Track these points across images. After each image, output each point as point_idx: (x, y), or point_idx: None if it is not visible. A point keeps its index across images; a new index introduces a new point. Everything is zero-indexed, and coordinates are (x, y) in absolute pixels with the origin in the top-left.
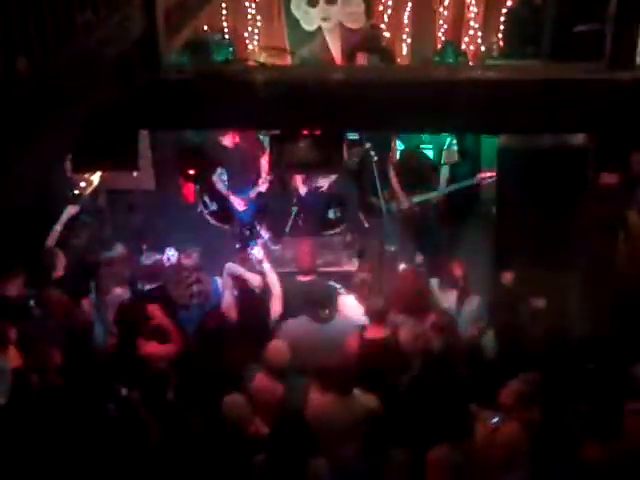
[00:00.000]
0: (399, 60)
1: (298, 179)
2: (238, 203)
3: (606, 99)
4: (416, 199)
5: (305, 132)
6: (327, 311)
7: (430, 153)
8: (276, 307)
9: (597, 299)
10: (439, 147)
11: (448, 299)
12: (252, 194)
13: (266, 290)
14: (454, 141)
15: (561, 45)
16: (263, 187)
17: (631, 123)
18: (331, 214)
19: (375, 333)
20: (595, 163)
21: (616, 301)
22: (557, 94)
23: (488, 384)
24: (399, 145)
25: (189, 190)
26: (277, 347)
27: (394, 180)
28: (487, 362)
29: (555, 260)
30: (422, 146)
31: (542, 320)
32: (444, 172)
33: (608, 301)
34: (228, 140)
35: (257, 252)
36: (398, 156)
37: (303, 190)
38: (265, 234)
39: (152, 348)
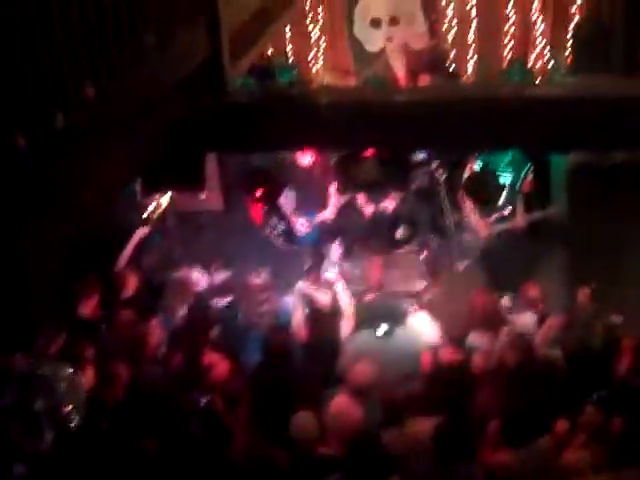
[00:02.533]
0: (464, 79)
1: (361, 200)
2: (301, 224)
3: None
4: (497, 228)
5: (370, 153)
6: (383, 329)
7: (508, 178)
8: (347, 328)
9: None
10: (518, 173)
11: (525, 320)
12: (317, 219)
13: (337, 310)
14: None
15: (631, 61)
16: (329, 213)
17: None
18: (399, 233)
19: (450, 356)
20: None
21: None
22: (627, 111)
23: (563, 404)
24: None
25: (257, 211)
26: (363, 368)
27: (467, 205)
28: (561, 381)
29: (632, 276)
30: (499, 171)
31: (618, 338)
32: (520, 199)
33: None
34: (305, 159)
35: (331, 273)
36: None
37: (368, 210)
38: (334, 253)
39: (215, 359)
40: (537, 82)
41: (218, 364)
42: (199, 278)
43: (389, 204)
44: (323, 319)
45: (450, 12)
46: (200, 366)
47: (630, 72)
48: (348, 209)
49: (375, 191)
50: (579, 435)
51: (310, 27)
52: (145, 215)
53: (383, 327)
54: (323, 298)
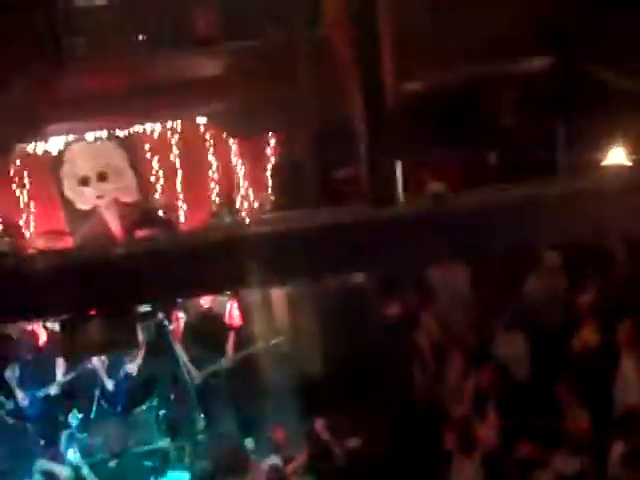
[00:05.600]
0: (179, 227)
1: (101, 371)
2: (23, 399)
3: (373, 237)
4: (207, 370)
5: (94, 312)
6: None
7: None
8: None
9: None
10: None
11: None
12: (41, 393)
13: None
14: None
15: (324, 191)
16: (55, 387)
17: (398, 258)
18: (137, 392)
19: None
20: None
21: None
22: (330, 237)
23: None
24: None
25: None
26: None
27: (183, 353)
28: None
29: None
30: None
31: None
32: (230, 337)
33: None
34: (17, 329)
35: (64, 444)
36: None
37: (110, 383)
38: (72, 422)
39: None
40: (244, 222)
41: None
42: None
43: (132, 370)
44: None
45: (156, 164)
46: None
47: (324, 201)
48: (83, 376)
49: (104, 352)
50: None
51: (17, 192)
52: None
53: None
54: (65, 473)
